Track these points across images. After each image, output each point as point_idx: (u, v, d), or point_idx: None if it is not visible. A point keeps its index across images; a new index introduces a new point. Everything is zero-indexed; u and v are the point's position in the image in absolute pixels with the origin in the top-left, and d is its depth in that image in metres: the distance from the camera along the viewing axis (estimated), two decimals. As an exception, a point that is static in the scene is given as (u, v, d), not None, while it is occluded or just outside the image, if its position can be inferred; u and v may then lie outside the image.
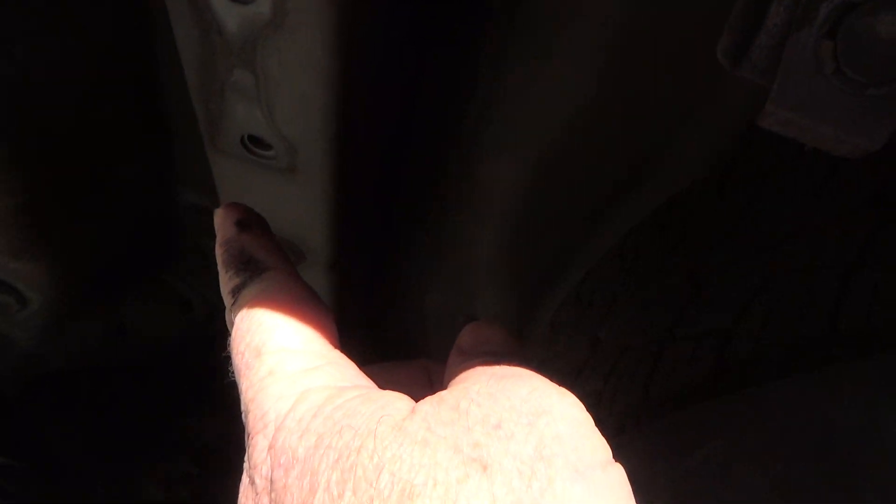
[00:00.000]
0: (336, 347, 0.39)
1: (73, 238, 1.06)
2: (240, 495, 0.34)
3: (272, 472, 0.32)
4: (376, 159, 0.98)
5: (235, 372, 0.38)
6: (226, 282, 0.43)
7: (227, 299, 0.43)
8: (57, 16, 0.79)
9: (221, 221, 0.48)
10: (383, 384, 0.38)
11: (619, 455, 0.33)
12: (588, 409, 0.56)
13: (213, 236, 1.40)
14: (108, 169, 1.07)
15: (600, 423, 0.34)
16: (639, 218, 1.08)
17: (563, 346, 0.95)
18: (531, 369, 0.37)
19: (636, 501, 0.32)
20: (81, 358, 1.29)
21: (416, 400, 0.34)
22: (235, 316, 0.40)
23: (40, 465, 1.39)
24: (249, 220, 0.47)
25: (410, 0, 0.75)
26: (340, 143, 0.72)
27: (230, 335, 0.41)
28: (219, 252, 0.46)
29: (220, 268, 0.45)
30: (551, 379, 0.36)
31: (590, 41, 0.82)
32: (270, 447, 0.33)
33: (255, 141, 0.75)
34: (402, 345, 1.61)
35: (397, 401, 0.34)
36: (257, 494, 0.32)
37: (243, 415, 0.36)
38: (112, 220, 1.14)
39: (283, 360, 0.36)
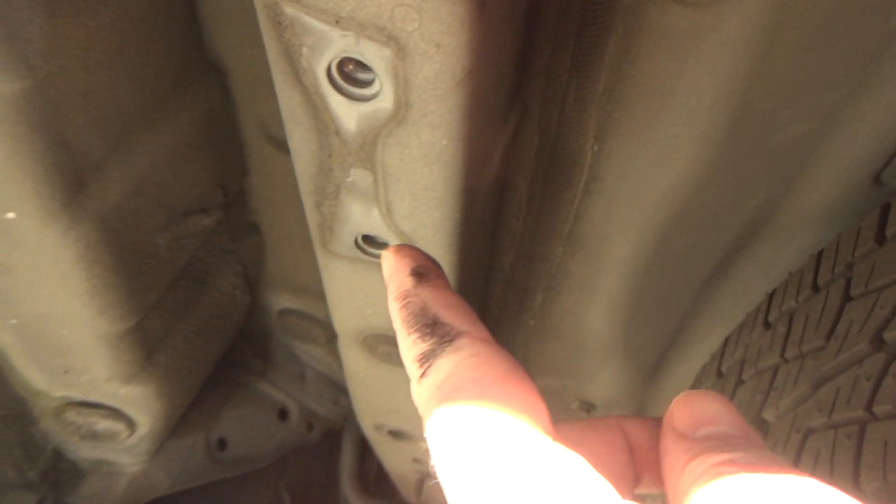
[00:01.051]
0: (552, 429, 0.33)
1: (175, 358, 1.04)
2: None
3: None
4: (487, 248, 0.94)
5: (446, 473, 0.32)
6: (409, 347, 0.38)
7: (411, 367, 0.37)
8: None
9: (394, 269, 0.42)
10: (580, 450, 0.32)
11: None
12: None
13: (304, 340, 1.36)
14: (203, 285, 1.06)
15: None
16: (770, 276, 0.99)
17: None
18: (789, 468, 0.30)
19: None
20: (186, 477, 1.25)
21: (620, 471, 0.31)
22: (427, 393, 0.35)
23: None
24: (427, 269, 0.42)
25: (515, 83, 0.72)
26: (461, 235, 0.68)
27: (422, 412, 0.35)
28: (395, 307, 0.40)
29: (397, 326, 0.40)
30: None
31: (690, 113, 0.78)
32: None
33: (369, 240, 0.71)
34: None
35: None
36: None
37: None
38: (209, 336, 1.12)
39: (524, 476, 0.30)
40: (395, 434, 1.21)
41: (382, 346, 0.90)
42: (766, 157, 0.84)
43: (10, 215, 0.71)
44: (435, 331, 0.37)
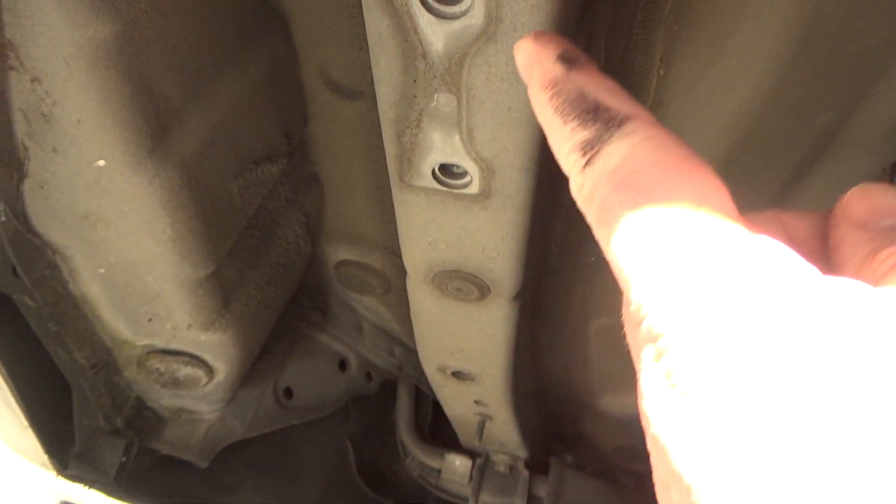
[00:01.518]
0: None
1: (249, 305, 1.07)
2: None
3: None
4: (551, 181, 0.94)
5: (626, 262, 0.29)
6: (566, 136, 0.34)
7: (569, 158, 0.34)
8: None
9: (535, 57, 0.38)
10: None
11: None
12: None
13: (361, 291, 1.39)
14: (271, 234, 1.09)
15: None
16: (834, 193, 0.98)
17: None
18: None
19: None
20: (258, 424, 1.29)
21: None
22: (593, 183, 0.32)
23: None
24: (576, 55, 0.37)
25: (588, 14, 0.72)
26: (539, 157, 0.68)
27: (586, 203, 0.32)
28: (542, 97, 0.36)
29: (547, 118, 0.36)
30: None
31: (760, 29, 0.76)
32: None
33: (446, 170, 0.72)
34: (563, 370, 1.54)
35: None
36: None
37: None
38: (277, 285, 1.15)
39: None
40: (459, 375, 1.23)
41: (453, 281, 0.91)
42: (837, 72, 0.83)
43: (101, 163, 0.74)
44: (599, 115, 0.33)
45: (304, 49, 0.94)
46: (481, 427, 1.45)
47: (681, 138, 0.32)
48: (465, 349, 1.12)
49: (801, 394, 0.22)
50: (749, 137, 0.89)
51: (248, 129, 0.90)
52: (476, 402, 1.34)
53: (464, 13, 0.54)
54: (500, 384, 1.22)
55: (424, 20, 0.55)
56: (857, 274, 0.31)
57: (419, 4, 0.54)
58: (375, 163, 1.08)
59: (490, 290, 0.91)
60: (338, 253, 1.35)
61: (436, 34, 0.56)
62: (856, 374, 0.22)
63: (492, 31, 0.55)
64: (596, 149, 0.32)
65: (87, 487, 1.06)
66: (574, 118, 0.34)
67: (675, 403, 0.25)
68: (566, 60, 0.37)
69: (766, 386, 0.23)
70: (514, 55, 0.41)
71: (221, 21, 0.80)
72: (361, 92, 0.97)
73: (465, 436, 1.58)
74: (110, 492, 1.08)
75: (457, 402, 1.37)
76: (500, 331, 1.02)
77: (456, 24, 0.55)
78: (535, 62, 0.38)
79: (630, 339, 0.29)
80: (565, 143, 0.34)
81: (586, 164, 0.33)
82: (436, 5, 0.54)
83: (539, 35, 0.40)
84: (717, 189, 0.30)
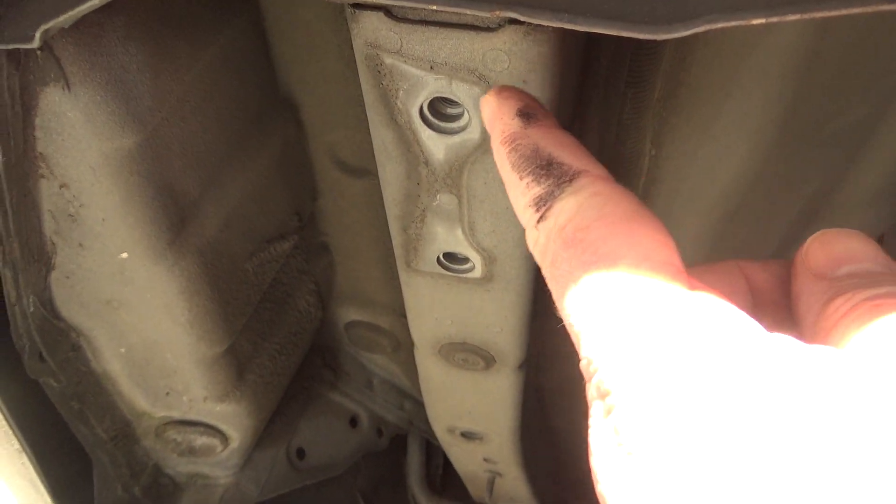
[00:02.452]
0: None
1: (263, 375, 1.10)
2: None
3: None
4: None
5: (575, 318, 0.30)
6: (521, 192, 0.35)
7: (524, 213, 0.35)
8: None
9: (496, 112, 0.40)
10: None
11: None
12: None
13: (371, 350, 1.42)
14: (284, 305, 1.13)
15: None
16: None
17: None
18: None
19: None
20: (271, 486, 1.32)
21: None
22: (545, 238, 0.33)
23: None
24: (534, 110, 0.39)
25: (576, 97, 0.77)
26: (538, 246, 0.72)
27: (540, 258, 0.33)
28: (501, 152, 0.38)
29: (506, 173, 0.37)
30: None
31: (744, 113, 0.81)
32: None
33: (450, 256, 0.76)
34: (570, 421, 1.56)
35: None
36: None
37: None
38: (290, 352, 1.18)
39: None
40: (468, 435, 1.26)
41: (459, 353, 0.95)
42: (819, 147, 0.87)
43: (124, 255, 0.78)
44: (551, 171, 0.34)
45: (314, 133, 0.99)
46: (491, 483, 1.46)
47: (629, 192, 0.33)
48: (472, 412, 1.15)
49: (736, 456, 0.23)
50: (739, 209, 0.93)
51: (262, 212, 0.95)
52: (485, 459, 1.36)
53: (462, 129, 0.58)
54: (508, 444, 1.24)
55: (426, 135, 0.60)
56: (814, 325, 0.31)
57: (420, 121, 0.58)
58: (383, 233, 1.12)
59: (495, 361, 0.94)
60: (348, 314, 1.39)
61: (437, 146, 0.61)
62: (792, 436, 0.23)
63: (488, 144, 0.59)
64: (548, 205, 0.33)
65: (105, 556, 1.08)
66: (529, 174, 0.35)
67: (621, 462, 0.25)
68: (524, 115, 0.38)
69: (704, 450, 0.23)
70: (480, 110, 0.43)
71: (237, 116, 0.85)
72: (368, 170, 1.01)
73: (477, 490, 1.59)
74: (128, 560, 1.10)
75: (467, 460, 1.39)
76: (506, 396, 1.04)
77: (455, 139, 0.59)
78: (494, 117, 0.40)
79: (587, 392, 0.30)
80: (521, 198, 0.35)
81: (539, 219, 0.34)
82: (436, 122, 0.59)
83: (501, 90, 0.41)
84: (662, 244, 0.30)
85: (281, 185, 0.97)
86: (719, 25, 0.37)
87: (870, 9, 0.35)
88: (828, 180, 0.94)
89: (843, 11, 0.35)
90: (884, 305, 0.28)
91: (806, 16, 0.35)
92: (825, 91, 0.80)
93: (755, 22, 0.36)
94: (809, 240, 0.35)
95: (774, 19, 0.36)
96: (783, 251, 1.03)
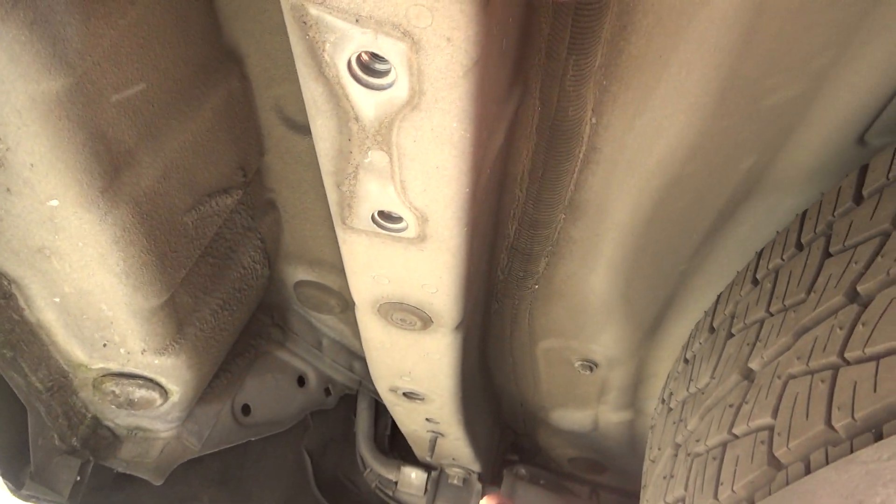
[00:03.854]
0: None
1: (204, 330, 1.10)
2: None
3: None
4: (493, 218, 1.00)
5: None
6: None
7: None
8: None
9: None
10: None
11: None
12: (759, 446, 0.55)
13: (320, 310, 1.44)
14: (227, 261, 1.12)
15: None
16: (761, 235, 1.05)
17: (707, 380, 0.92)
18: None
19: None
20: (214, 440, 1.33)
21: None
22: None
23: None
24: None
25: (517, 63, 0.77)
26: (470, 207, 0.73)
27: None
28: None
29: None
30: None
31: (682, 84, 0.83)
32: None
33: (385, 216, 0.77)
34: (516, 387, 1.60)
35: None
36: None
37: None
38: (233, 309, 1.18)
39: None
40: (410, 395, 1.28)
41: (397, 312, 0.96)
42: (755, 122, 0.89)
43: (54, 203, 0.77)
44: None
45: (260, 87, 0.98)
46: (433, 444, 1.50)
47: None
48: (413, 372, 1.17)
49: None
50: (677, 179, 0.95)
51: (203, 165, 0.94)
52: (428, 419, 1.39)
53: (390, 85, 0.59)
54: (449, 404, 1.27)
55: (355, 90, 0.60)
56: None
57: (349, 75, 0.58)
58: (330, 192, 1.12)
59: (432, 321, 0.96)
60: (296, 273, 1.39)
61: (366, 102, 0.61)
62: None
63: (416, 102, 0.60)
64: None
65: (42, 505, 1.08)
66: None
67: None
68: None
69: None
70: None
71: (177, 65, 0.84)
72: (314, 128, 1.01)
73: (420, 451, 1.62)
74: (65, 509, 1.11)
75: (409, 420, 1.42)
76: (444, 357, 1.07)
77: (383, 95, 0.60)
78: None
79: None
80: None
81: None
82: (365, 77, 0.59)
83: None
84: None
85: (224, 139, 0.96)
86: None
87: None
88: (764, 156, 0.97)
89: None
90: None
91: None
92: (761, 66, 0.82)
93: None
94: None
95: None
96: (720, 224, 1.06)
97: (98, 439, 1.17)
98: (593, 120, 0.90)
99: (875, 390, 0.59)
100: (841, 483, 0.56)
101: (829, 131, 0.92)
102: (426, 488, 1.67)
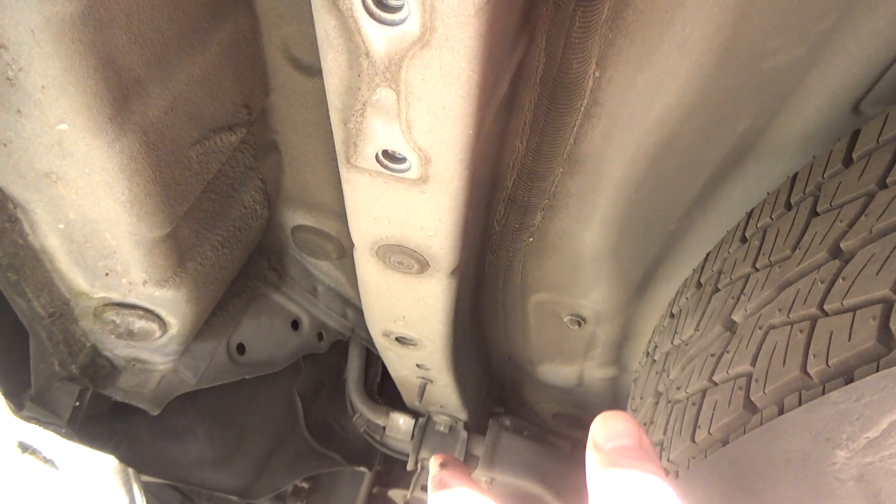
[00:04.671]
0: None
1: (204, 265, 1.13)
2: None
3: None
4: (493, 166, 1.01)
5: None
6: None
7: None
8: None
9: (432, 464, 0.61)
10: None
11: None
12: (737, 392, 0.59)
13: (316, 255, 1.45)
14: (228, 199, 1.14)
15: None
16: (752, 197, 1.07)
17: (691, 333, 0.95)
18: (663, 475, 0.44)
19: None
20: (209, 376, 1.36)
21: None
22: None
23: (177, 481, 1.48)
24: (447, 462, 0.60)
25: (524, 11, 0.78)
26: (472, 151, 0.75)
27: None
28: (429, 484, 0.58)
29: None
30: None
31: (685, 41, 0.84)
32: None
33: (389, 155, 0.79)
34: (505, 339, 1.64)
35: None
36: None
37: None
38: (233, 247, 1.20)
39: None
40: (402, 340, 1.31)
41: (395, 255, 0.98)
42: (754, 84, 0.91)
43: (63, 126, 0.78)
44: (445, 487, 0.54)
45: (268, 25, 0.99)
46: (422, 390, 1.54)
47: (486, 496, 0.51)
48: (407, 317, 1.20)
49: None
50: (674, 137, 0.97)
51: (209, 99, 0.95)
52: (418, 365, 1.43)
53: (402, 21, 0.60)
54: (440, 350, 1.31)
55: (367, 24, 0.61)
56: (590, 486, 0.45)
57: (363, 10, 0.60)
58: (332, 135, 1.13)
59: (429, 265, 0.98)
60: (295, 218, 1.41)
61: (378, 37, 0.62)
62: None
63: (427, 39, 0.61)
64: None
65: (41, 429, 1.11)
66: (435, 487, 0.56)
67: None
68: (442, 465, 0.58)
69: None
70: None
71: (186, -3, 0.84)
72: (320, 69, 1.02)
73: (409, 397, 1.67)
74: (64, 434, 1.14)
75: (400, 365, 1.46)
76: (438, 302, 1.09)
77: (395, 30, 0.61)
78: (431, 465, 0.60)
79: None
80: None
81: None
82: (378, 12, 0.60)
83: (437, 455, 0.60)
84: None
85: (231, 75, 0.97)
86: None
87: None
88: (760, 119, 0.98)
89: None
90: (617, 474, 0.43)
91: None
92: (763, 27, 0.83)
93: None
94: (596, 418, 0.48)
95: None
96: (713, 186, 1.08)
97: (97, 368, 1.20)
98: (597, 74, 0.92)
99: (850, 339, 0.62)
100: (811, 422, 0.60)
101: (825, 98, 0.93)
102: (413, 434, 1.72)
